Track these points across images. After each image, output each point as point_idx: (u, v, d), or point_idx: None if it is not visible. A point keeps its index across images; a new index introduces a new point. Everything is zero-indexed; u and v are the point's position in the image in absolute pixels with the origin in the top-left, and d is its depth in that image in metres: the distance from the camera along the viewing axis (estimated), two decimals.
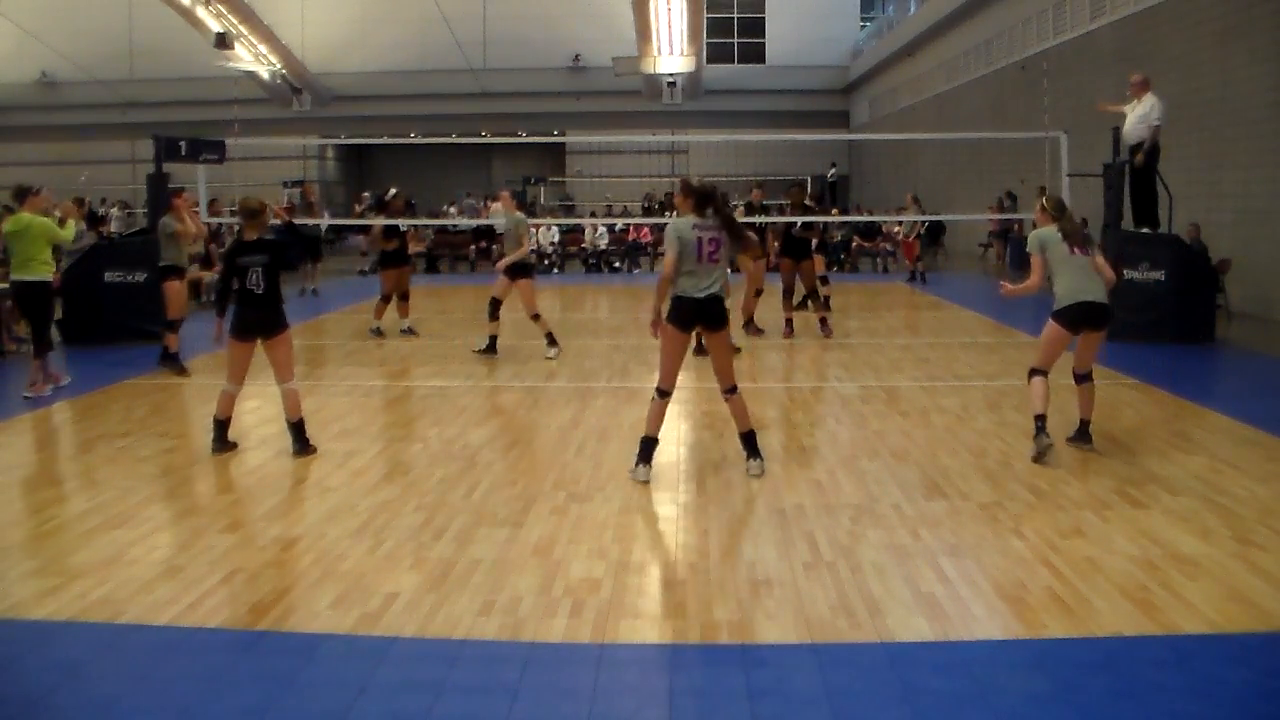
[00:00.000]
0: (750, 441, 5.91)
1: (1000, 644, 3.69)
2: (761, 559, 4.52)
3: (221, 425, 6.43)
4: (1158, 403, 7.66)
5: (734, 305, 10.97)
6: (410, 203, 25.38)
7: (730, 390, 5.81)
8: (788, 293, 11.09)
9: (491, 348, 9.97)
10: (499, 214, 20.43)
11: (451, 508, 5.29)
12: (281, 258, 6.48)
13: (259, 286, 6.30)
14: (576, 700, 3.32)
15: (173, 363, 9.15)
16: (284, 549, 4.72)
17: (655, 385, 5.79)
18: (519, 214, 10.33)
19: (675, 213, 6.18)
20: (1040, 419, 6.06)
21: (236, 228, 7.99)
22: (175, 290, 9.39)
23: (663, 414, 5.79)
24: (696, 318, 5.69)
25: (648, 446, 5.80)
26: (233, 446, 6.46)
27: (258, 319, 6.34)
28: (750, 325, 11.26)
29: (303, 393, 8.09)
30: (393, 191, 15.79)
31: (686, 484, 5.73)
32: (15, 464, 6.21)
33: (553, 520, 5.08)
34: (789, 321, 11.09)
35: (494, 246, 20.78)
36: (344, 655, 3.64)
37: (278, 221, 7.53)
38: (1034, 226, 6.41)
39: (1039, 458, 5.99)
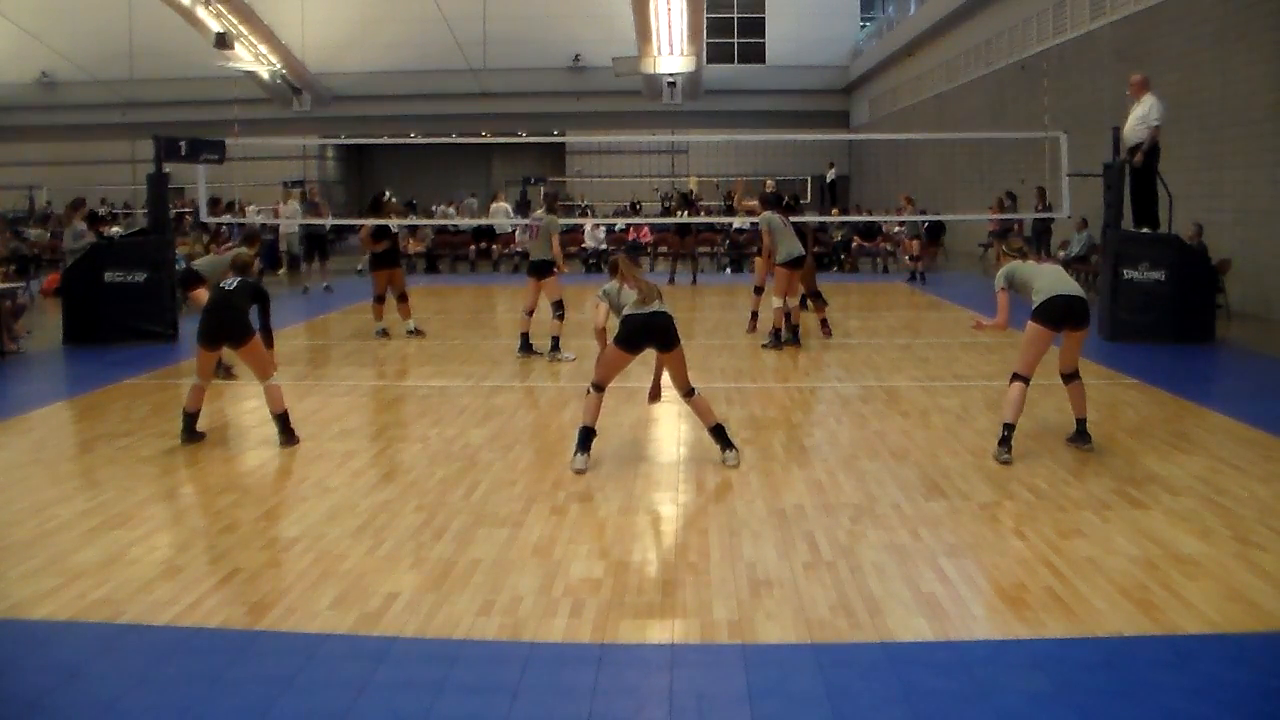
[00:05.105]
0: (720, 434, 6.06)
1: (1000, 644, 3.69)
2: (761, 559, 4.52)
3: (190, 417, 6.67)
4: (1158, 403, 7.65)
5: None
6: (412, 203, 25.40)
7: (689, 394, 6.03)
8: (807, 296, 11.01)
9: (555, 347, 9.86)
10: (499, 213, 20.61)
11: (451, 508, 5.29)
12: (252, 296, 6.75)
13: (230, 284, 6.62)
14: (576, 700, 3.32)
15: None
16: (284, 549, 4.72)
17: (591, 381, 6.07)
18: (551, 215, 10.27)
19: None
20: (1008, 428, 6.06)
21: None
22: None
23: (598, 407, 6.04)
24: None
25: (587, 437, 6.00)
26: (200, 437, 6.69)
27: (220, 323, 6.52)
28: (783, 330, 10.32)
29: (302, 392, 8.15)
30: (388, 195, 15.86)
31: (686, 484, 5.73)
32: (15, 464, 6.21)
33: (553, 520, 5.08)
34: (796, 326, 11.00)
35: (494, 246, 20.78)
36: (344, 655, 3.64)
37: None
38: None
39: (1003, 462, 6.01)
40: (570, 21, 33.59)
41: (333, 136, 33.88)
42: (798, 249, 10.17)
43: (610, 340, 6.04)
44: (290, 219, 17.99)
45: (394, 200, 17.35)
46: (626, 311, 5.96)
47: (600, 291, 6.19)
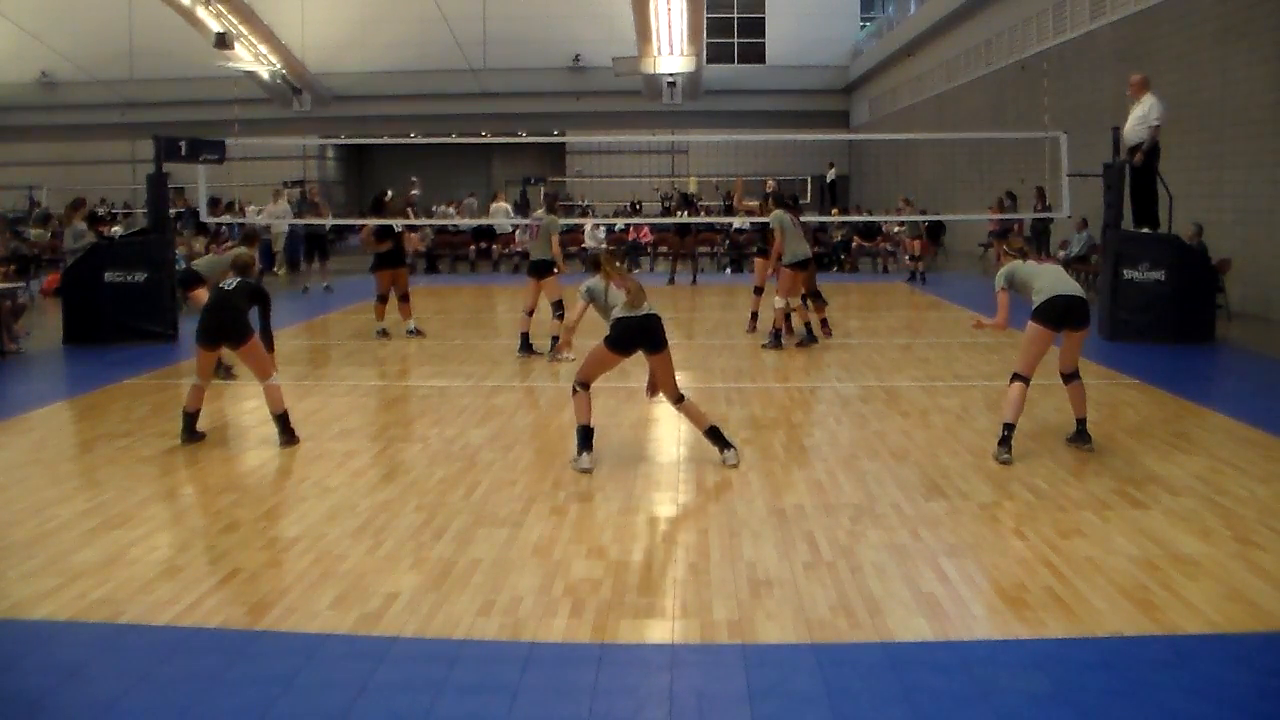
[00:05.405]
0: (716, 436, 6.04)
1: (1000, 644, 3.69)
2: (761, 559, 4.52)
3: (190, 417, 6.69)
4: (1158, 403, 7.65)
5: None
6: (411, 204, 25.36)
7: (678, 400, 6.03)
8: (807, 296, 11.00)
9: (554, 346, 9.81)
10: (499, 213, 20.61)
11: (451, 508, 5.29)
12: (252, 297, 6.76)
13: (230, 285, 6.65)
14: (576, 700, 3.32)
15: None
16: (284, 549, 4.72)
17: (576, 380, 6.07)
18: (551, 215, 10.30)
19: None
20: (1008, 428, 6.06)
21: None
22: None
23: (589, 404, 6.03)
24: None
25: (586, 435, 5.98)
26: (200, 437, 6.70)
27: (219, 323, 6.53)
28: (782, 332, 10.33)
29: (302, 393, 8.15)
30: (415, 189, 15.72)
31: (686, 484, 5.73)
32: (15, 464, 6.21)
33: (553, 520, 5.08)
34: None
35: (494, 247, 20.77)
36: (344, 655, 3.64)
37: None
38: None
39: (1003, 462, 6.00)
40: (570, 21, 33.59)
41: (333, 136, 33.87)
42: (805, 251, 10.19)
43: (602, 340, 6.01)
44: (279, 218, 17.98)
45: (416, 194, 17.32)
46: (619, 314, 5.89)
47: (584, 289, 6.09)
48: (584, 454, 5.95)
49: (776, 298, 10.25)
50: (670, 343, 6.04)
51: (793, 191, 20.88)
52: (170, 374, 9.15)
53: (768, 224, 11.15)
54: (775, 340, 10.23)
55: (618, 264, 6.15)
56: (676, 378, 6.08)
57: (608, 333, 5.96)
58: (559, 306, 9.80)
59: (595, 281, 6.06)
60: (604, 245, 19.80)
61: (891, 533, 4.86)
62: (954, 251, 22.03)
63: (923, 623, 3.85)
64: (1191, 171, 12.87)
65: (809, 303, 11.28)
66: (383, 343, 11.01)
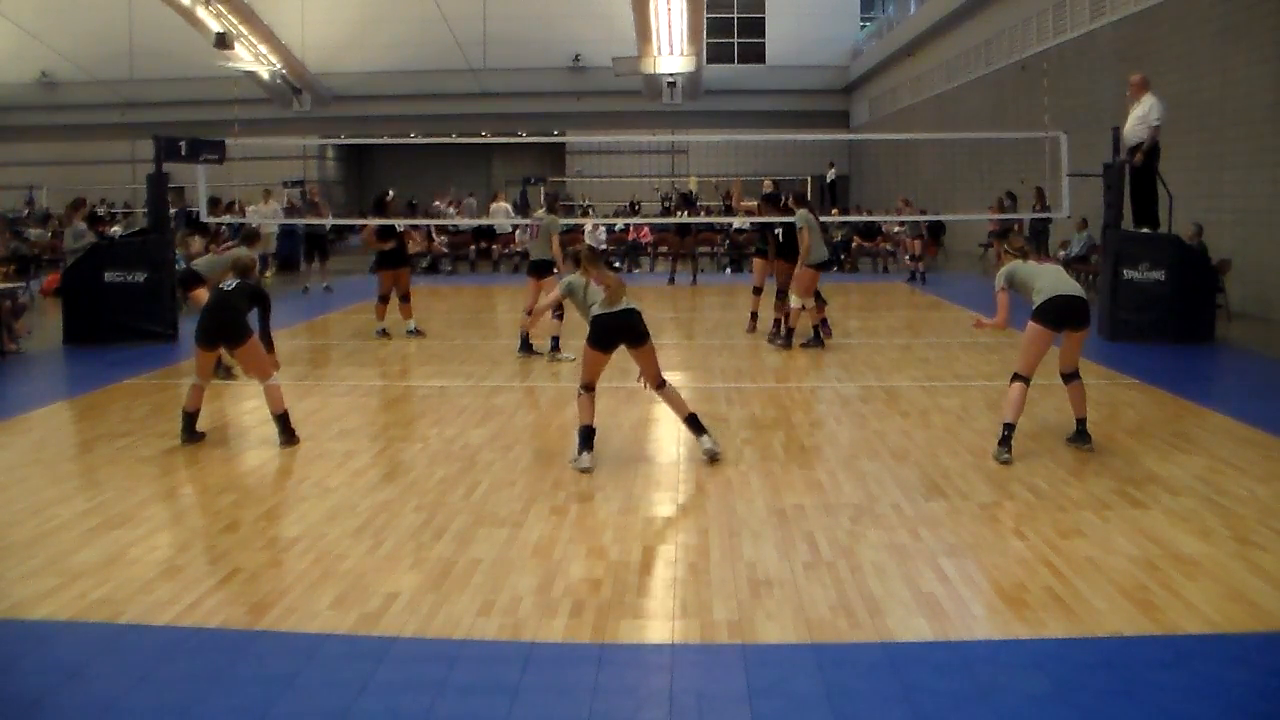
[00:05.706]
0: (694, 423, 6.10)
1: (1000, 644, 3.69)
2: (761, 559, 4.52)
3: (190, 417, 6.69)
4: (1158, 403, 7.66)
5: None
6: (412, 204, 25.40)
7: (660, 386, 6.11)
8: (781, 293, 10.99)
9: (554, 346, 9.84)
10: (499, 213, 20.61)
11: (451, 508, 5.29)
12: (251, 299, 6.76)
13: (229, 285, 6.66)
14: (576, 700, 3.32)
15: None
16: (284, 549, 4.73)
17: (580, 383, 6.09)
18: (551, 215, 10.33)
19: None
20: (1009, 428, 6.06)
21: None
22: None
23: (593, 405, 6.06)
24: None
25: (588, 435, 6.00)
26: (200, 437, 6.70)
27: (218, 324, 6.54)
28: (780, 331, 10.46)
29: (302, 393, 8.15)
30: (440, 200, 15.60)
31: (686, 484, 5.73)
32: (15, 464, 6.21)
33: (553, 520, 5.09)
34: (777, 321, 10.93)
35: (494, 247, 20.77)
36: (344, 655, 3.64)
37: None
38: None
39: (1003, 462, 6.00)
40: (570, 21, 33.58)
41: (333, 136, 33.88)
42: (824, 252, 10.21)
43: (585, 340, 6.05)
44: (268, 219, 17.96)
45: (437, 205, 17.21)
46: (596, 312, 5.94)
47: (565, 283, 6.16)
48: (584, 453, 5.96)
49: (793, 296, 10.20)
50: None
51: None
52: (170, 374, 9.15)
53: (768, 224, 11.16)
54: (787, 339, 10.20)
55: (599, 261, 6.19)
56: (670, 376, 6.11)
57: (588, 332, 5.99)
58: (560, 307, 9.79)
59: (575, 278, 6.11)
60: (603, 245, 19.80)
61: (891, 533, 4.86)
62: (954, 251, 22.02)
63: (923, 623, 3.85)
64: (1191, 171, 12.86)
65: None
66: (383, 343, 11.01)
